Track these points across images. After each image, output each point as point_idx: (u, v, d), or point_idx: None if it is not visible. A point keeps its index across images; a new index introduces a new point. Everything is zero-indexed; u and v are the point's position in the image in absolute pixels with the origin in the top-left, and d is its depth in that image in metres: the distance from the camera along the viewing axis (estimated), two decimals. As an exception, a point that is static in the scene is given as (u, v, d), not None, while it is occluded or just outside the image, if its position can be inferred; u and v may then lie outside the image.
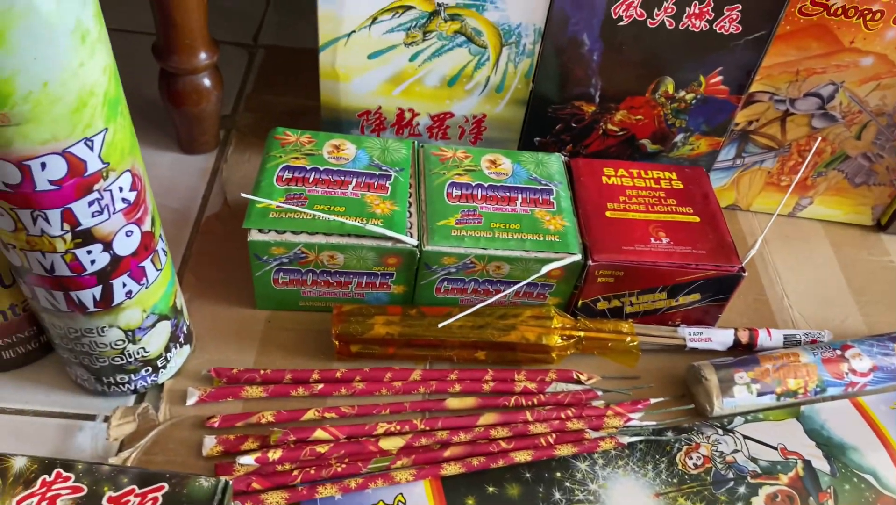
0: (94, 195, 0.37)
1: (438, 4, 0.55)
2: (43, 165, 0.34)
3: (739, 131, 0.63)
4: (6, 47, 0.30)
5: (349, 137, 0.57)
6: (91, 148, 0.35)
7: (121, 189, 0.38)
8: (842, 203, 0.68)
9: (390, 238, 0.51)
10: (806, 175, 0.66)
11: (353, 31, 0.57)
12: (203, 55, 0.59)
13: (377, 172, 0.55)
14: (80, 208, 0.36)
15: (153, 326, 0.45)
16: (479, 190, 0.55)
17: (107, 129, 0.35)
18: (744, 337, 0.56)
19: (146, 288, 0.43)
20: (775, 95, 0.60)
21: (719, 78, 0.59)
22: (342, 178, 0.54)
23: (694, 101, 0.61)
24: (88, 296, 0.40)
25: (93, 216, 0.37)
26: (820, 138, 0.62)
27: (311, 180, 0.53)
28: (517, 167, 0.58)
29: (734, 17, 0.55)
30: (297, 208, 0.51)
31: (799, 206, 0.68)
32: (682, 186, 0.59)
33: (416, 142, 0.59)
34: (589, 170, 0.59)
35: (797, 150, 0.64)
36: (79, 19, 0.32)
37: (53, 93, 0.32)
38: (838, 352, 0.54)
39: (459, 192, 0.55)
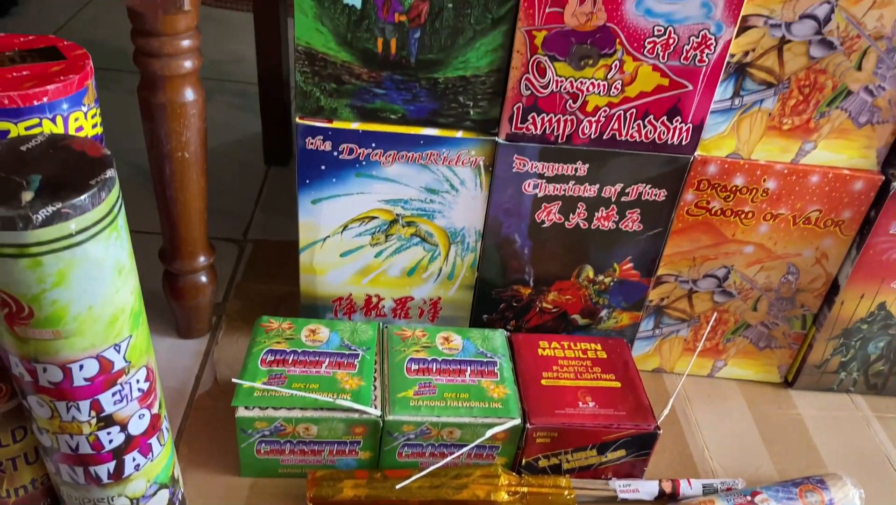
0: (117, 387, 0.46)
1: (397, 215, 0.68)
2: (81, 367, 0.44)
3: (654, 306, 0.75)
4: (65, 284, 0.41)
5: (324, 322, 0.68)
6: (118, 351, 0.45)
7: (138, 381, 0.48)
8: (751, 364, 0.78)
9: (357, 410, 0.60)
10: (717, 342, 0.77)
11: (328, 236, 0.69)
12: (202, 259, 0.70)
13: (347, 352, 0.65)
14: (106, 398, 0.46)
15: (154, 494, 0.53)
16: (434, 364, 0.65)
17: (131, 336, 0.46)
18: (667, 487, 0.64)
19: (151, 461, 0.51)
20: (679, 277, 0.72)
21: (630, 265, 0.71)
22: (317, 358, 0.64)
23: (612, 284, 0.73)
24: (104, 470, 0.49)
25: (114, 404, 0.47)
26: (716, 314, 0.73)
27: (290, 361, 0.63)
28: (467, 342, 0.68)
29: (635, 217, 0.68)
30: (278, 388, 0.60)
31: (716, 368, 0.79)
32: (605, 356, 0.69)
33: (381, 323, 0.69)
34: (527, 343, 0.70)
35: (705, 320, 0.75)
36: (118, 259, 0.43)
37: (95, 313, 0.43)
38: (748, 497, 0.63)
39: (417, 367, 0.65)
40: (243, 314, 0.80)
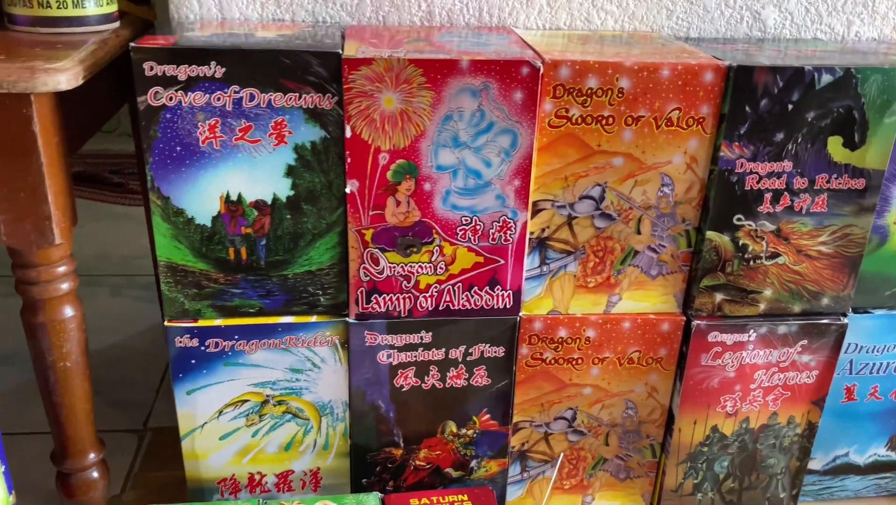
0: None
1: (267, 396, 0.75)
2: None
3: (518, 451, 0.82)
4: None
5: (208, 504, 0.73)
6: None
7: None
8: (617, 495, 0.85)
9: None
10: (581, 478, 0.84)
11: (206, 423, 0.75)
12: (91, 455, 0.76)
13: (225, 532, 0.70)
14: None
15: None
16: (310, 533, 0.70)
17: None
18: None
19: None
20: (533, 422, 0.80)
21: (488, 416, 0.79)
22: (197, 541, 0.69)
23: (475, 435, 0.80)
24: None
25: None
26: (562, 454, 0.81)
27: (170, 547, 0.68)
28: (341, 509, 0.74)
29: (483, 373, 0.77)
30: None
31: (585, 502, 0.85)
32: (470, 505, 0.75)
33: (261, 499, 0.75)
34: (399, 502, 0.75)
35: (567, 459, 0.83)
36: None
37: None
38: None
39: (293, 538, 0.70)
40: (139, 504, 0.84)
